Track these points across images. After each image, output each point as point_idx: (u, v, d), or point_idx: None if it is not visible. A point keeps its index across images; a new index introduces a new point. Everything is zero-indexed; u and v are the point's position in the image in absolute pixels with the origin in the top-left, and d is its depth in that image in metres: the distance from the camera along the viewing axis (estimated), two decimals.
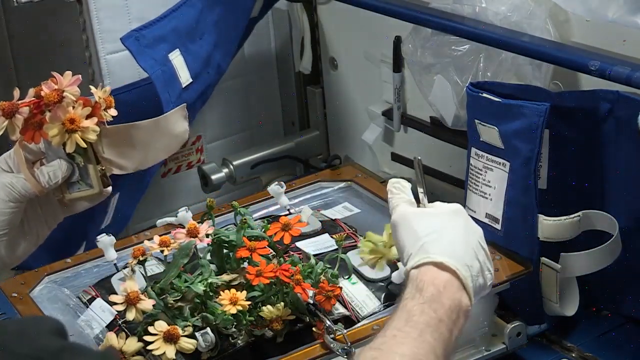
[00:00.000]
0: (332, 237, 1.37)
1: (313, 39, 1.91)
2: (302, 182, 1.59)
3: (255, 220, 1.39)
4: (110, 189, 1.22)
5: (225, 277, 1.26)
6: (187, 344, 1.17)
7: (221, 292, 1.21)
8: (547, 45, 1.36)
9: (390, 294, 1.30)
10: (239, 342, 1.22)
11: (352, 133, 1.92)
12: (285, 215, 1.43)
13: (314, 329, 1.22)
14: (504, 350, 1.33)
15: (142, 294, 1.19)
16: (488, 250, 1.14)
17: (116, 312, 1.24)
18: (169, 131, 1.23)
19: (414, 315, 1.03)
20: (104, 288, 1.35)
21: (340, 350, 1.19)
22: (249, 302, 1.21)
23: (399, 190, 1.20)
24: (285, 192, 1.49)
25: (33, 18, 1.82)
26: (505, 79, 1.42)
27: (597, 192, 1.35)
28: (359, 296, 1.29)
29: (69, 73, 1.18)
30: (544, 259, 1.33)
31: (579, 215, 1.30)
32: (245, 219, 1.31)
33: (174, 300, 1.22)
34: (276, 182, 1.49)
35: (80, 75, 1.18)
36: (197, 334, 1.19)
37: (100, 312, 1.28)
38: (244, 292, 1.21)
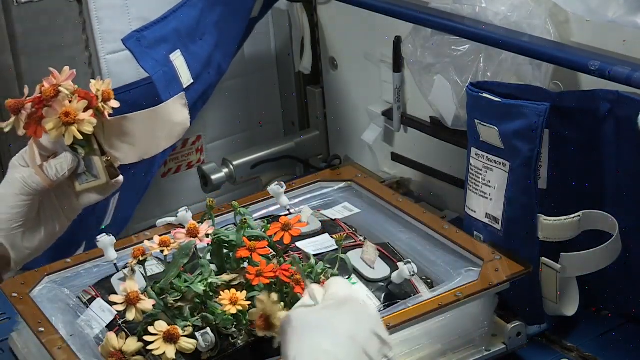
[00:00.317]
0: (332, 237, 1.37)
1: (313, 39, 1.91)
2: (302, 182, 1.59)
3: (255, 220, 1.39)
4: (121, 179, 1.25)
5: (225, 277, 1.26)
6: (187, 344, 1.17)
7: (221, 292, 1.21)
8: (547, 45, 1.36)
9: (390, 294, 1.30)
10: (239, 342, 1.22)
11: (352, 133, 1.92)
12: (285, 215, 1.43)
13: None
14: (504, 350, 1.33)
15: (142, 294, 1.19)
16: (386, 334, 1.02)
17: (116, 312, 1.24)
18: (170, 120, 1.24)
19: None
20: (104, 288, 1.35)
21: None
22: (249, 302, 1.21)
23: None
24: (285, 192, 1.49)
25: (33, 18, 1.82)
26: (505, 79, 1.42)
27: (597, 192, 1.35)
28: (359, 296, 1.29)
29: (66, 68, 1.21)
30: (544, 259, 1.33)
31: (579, 215, 1.30)
32: (245, 219, 1.31)
33: (174, 300, 1.22)
34: (276, 182, 1.49)
35: (74, 71, 1.21)
36: (197, 334, 1.19)
37: (100, 312, 1.28)
38: (244, 292, 1.21)
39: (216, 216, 1.40)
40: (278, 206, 1.49)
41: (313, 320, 1.01)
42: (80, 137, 1.18)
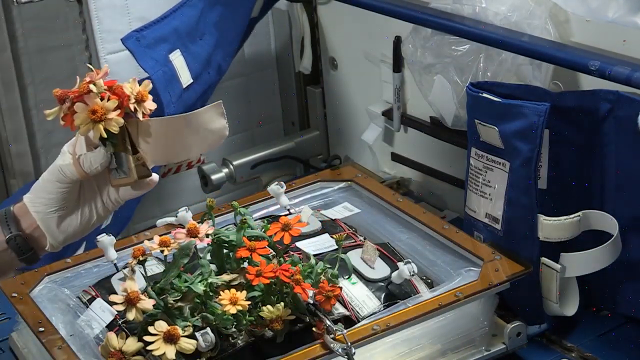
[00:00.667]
0: (332, 237, 1.37)
1: (313, 39, 1.91)
2: (302, 182, 1.59)
3: (255, 220, 1.39)
4: (155, 178, 1.26)
5: (225, 277, 1.26)
6: (187, 344, 1.17)
7: (221, 292, 1.21)
8: (547, 45, 1.36)
9: (390, 294, 1.30)
10: (239, 342, 1.22)
11: (352, 133, 1.92)
12: (285, 215, 1.43)
13: (314, 329, 1.22)
14: (504, 350, 1.33)
15: (142, 294, 1.19)
16: None
17: (116, 312, 1.24)
18: (205, 127, 1.24)
19: None
20: (104, 288, 1.35)
21: (340, 350, 1.19)
22: (249, 302, 1.21)
23: None
24: (285, 192, 1.49)
25: (33, 18, 1.82)
26: (505, 79, 1.42)
27: (597, 192, 1.35)
28: (359, 296, 1.29)
29: (105, 66, 1.24)
30: (544, 259, 1.33)
31: (579, 215, 1.30)
32: (245, 219, 1.31)
33: (174, 300, 1.22)
34: (276, 182, 1.49)
35: (107, 66, 1.24)
36: (197, 334, 1.19)
37: (100, 312, 1.28)
38: (244, 292, 1.21)
39: (216, 216, 1.40)
40: (278, 206, 1.49)
41: None
42: (105, 135, 1.19)
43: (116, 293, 1.26)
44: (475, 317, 1.31)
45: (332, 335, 1.21)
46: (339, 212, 1.50)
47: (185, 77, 1.62)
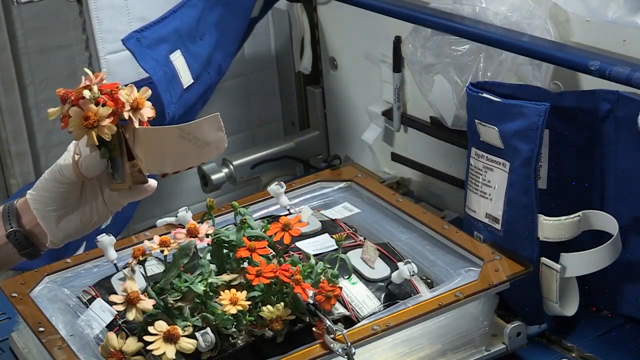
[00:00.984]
0: (332, 237, 1.37)
1: (313, 39, 1.91)
2: (302, 182, 1.59)
3: (255, 220, 1.39)
4: (153, 184, 1.25)
5: (225, 277, 1.26)
6: (187, 344, 1.17)
7: (221, 292, 1.21)
8: (547, 45, 1.36)
9: (390, 294, 1.30)
10: (239, 342, 1.22)
11: (352, 133, 1.92)
12: (285, 215, 1.43)
13: (314, 329, 1.22)
14: (504, 350, 1.33)
15: (142, 294, 1.19)
16: None
17: (116, 312, 1.24)
18: (202, 139, 1.23)
19: None
20: (104, 288, 1.35)
21: (340, 350, 1.19)
22: (249, 302, 1.21)
23: None
24: (285, 192, 1.49)
25: (33, 18, 1.82)
26: (505, 79, 1.42)
27: (597, 192, 1.35)
28: (359, 296, 1.29)
29: (103, 72, 1.22)
30: (544, 259, 1.33)
31: (579, 215, 1.30)
32: (245, 219, 1.31)
33: (174, 300, 1.22)
34: (276, 182, 1.49)
35: (104, 72, 1.22)
36: (197, 334, 1.19)
37: (100, 312, 1.28)
38: (244, 292, 1.21)
39: (216, 216, 1.40)
40: (278, 206, 1.49)
41: None
42: (96, 142, 1.18)
43: (116, 293, 1.26)
44: (475, 317, 1.31)
45: (332, 335, 1.21)
46: (339, 212, 1.50)
47: (186, 78, 1.62)
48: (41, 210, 1.25)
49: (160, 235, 1.25)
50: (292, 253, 1.32)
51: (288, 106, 2.05)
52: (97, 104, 1.18)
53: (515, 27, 1.39)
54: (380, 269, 1.34)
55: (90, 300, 1.32)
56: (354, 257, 1.34)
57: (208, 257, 1.30)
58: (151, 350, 1.15)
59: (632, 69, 1.24)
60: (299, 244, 1.37)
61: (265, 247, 1.27)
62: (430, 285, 1.33)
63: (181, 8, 1.63)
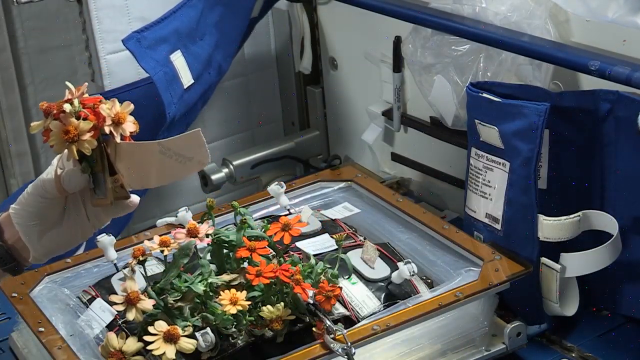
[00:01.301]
0: (332, 237, 1.37)
1: (313, 39, 1.91)
2: (302, 182, 1.59)
3: (255, 220, 1.39)
4: (135, 200, 1.24)
5: (225, 277, 1.26)
6: (187, 344, 1.17)
7: (221, 292, 1.21)
8: (547, 45, 1.36)
9: (390, 294, 1.30)
10: (239, 342, 1.22)
11: (352, 133, 1.92)
12: (285, 215, 1.43)
13: (314, 329, 1.22)
14: (504, 350, 1.33)
15: (142, 294, 1.19)
16: None
17: (116, 312, 1.24)
18: (181, 154, 1.22)
19: None
20: (104, 288, 1.35)
21: (340, 350, 1.19)
22: (249, 302, 1.21)
23: None
24: (285, 192, 1.49)
25: (33, 18, 1.82)
26: (505, 79, 1.42)
27: (597, 192, 1.35)
28: (359, 296, 1.29)
29: (85, 85, 1.20)
30: (544, 259, 1.33)
31: (579, 215, 1.30)
32: (245, 219, 1.31)
33: (174, 300, 1.22)
34: (276, 182, 1.49)
35: (86, 85, 1.20)
36: (197, 334, 1.19)
37: (100, 312, 1.28)
38: (244, 292, 1.21)
39: (216, 216, 1.40)
40: (278, 206, 1.49)
41: None
42: (77, 157, 1.17)
43: (116, 293, 1.26)
44: (475, 317, 1.31)
45: (332, 335, 1.21)
46: (339, 212, 1.50)
47: (187, 78, 1.62)
48: (23, 225, 1.24)
49: (160, 235, 1.25)
50: (292, 253, 1.32)
51: (288, 106, 2.05)
52: (78, 118, 1.16)
53: (515, 27, 1.39)
54: (380, 269, 1.34)
55: (90, 300, 1.32)
56: (354, 257, 1.34)
57: (208, 257, 1.30)
58: (151, 350, 1.16)
59: (632, 69, 1.24)
60: (299, 244, 1.37)
61: (265, 247, 1.27)
62: (430, 285, 1.33)
63: (181, 8, 1.63)
